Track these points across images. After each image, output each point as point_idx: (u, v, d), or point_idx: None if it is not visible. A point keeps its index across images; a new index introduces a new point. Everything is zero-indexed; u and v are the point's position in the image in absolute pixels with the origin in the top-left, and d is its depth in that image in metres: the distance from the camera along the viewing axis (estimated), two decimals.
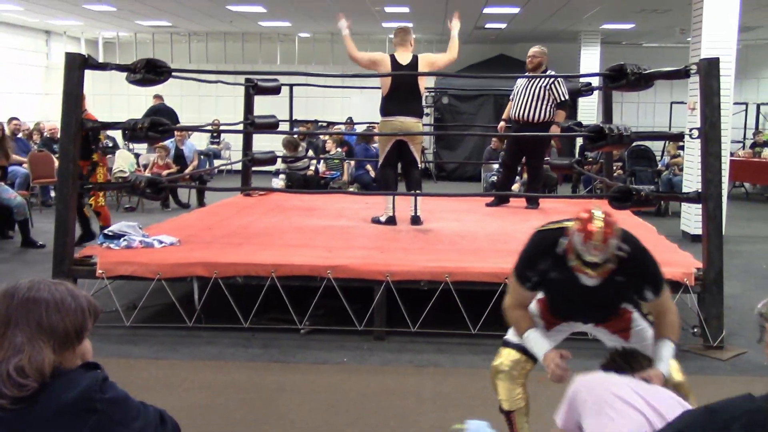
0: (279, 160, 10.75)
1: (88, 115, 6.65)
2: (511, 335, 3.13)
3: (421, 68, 6.48)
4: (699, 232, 7.96)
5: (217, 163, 15.44)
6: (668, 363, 2.76)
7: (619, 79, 5.09)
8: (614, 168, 11.35)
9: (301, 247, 5.58)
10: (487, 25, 14.68)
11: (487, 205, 7.90)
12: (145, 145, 12.57)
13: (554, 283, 2.88)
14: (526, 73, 7.45)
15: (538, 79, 7.24)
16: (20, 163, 10.65)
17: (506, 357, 3.11)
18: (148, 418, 1.65)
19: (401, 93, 6.41)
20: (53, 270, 5.16)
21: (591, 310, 2.96)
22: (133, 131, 5.25)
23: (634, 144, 12.10)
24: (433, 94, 16.07)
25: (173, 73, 5.51)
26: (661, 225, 8.79)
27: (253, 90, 8.38)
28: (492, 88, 14.54)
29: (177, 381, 4.31)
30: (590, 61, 15.51)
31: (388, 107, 6.46)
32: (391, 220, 6.65)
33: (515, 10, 12.59)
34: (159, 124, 5.28)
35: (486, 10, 12.58)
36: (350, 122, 14.69)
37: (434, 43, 17.69)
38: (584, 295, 2.81)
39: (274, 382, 4.28)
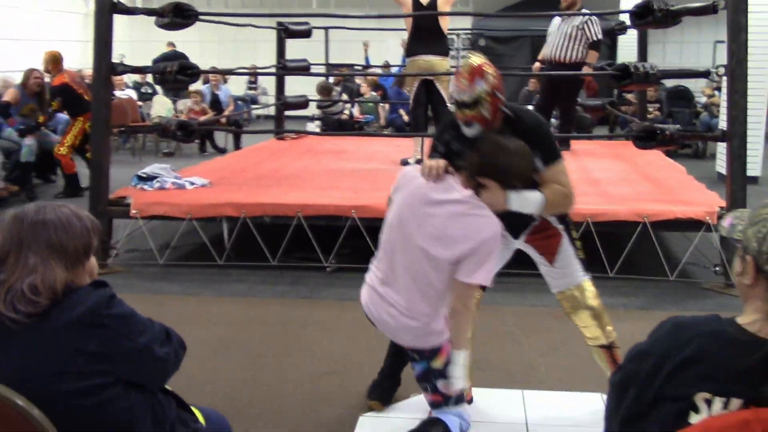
0: (314, 105, 10.86)
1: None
2: None
3: (441, 7, 6.47)
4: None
5: (254, 108, 15.56)
6: (524, 197, 2.74)
7: (646, 16, 5.00)
8: (651, 109, 11.18)
9: (328, 189, 5.70)
10: None
11: None
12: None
13: (457, 154, 2.89)
14: (560, 12, 7.35)
15: (571, 19, 7.14)
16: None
17: None
18: (154, 333, 1.77)
19: (424, 32, 6.44)
20: (90, 210, 5.33)
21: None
22: (162, 75, 5.36)
23: (673, 84, 11.90)
24: (469, 36, 15.86)
25: (204, 18, 5.60)
26: (696, 167, 8.71)
27: (284, 34, 8.43)
28: (530, 29, 14.28)
29: (206, 316, 4.50)
30: None
31: (413, 47, 6.54)
32: (420, 162, 6.70)
33: None
34: (188, 68, 5.38)
35: None
36: (387, 65, 14.63)
37: None
38: None
39: (299, 317, 4.44)
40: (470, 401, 3.25)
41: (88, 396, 1.62)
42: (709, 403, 1.42)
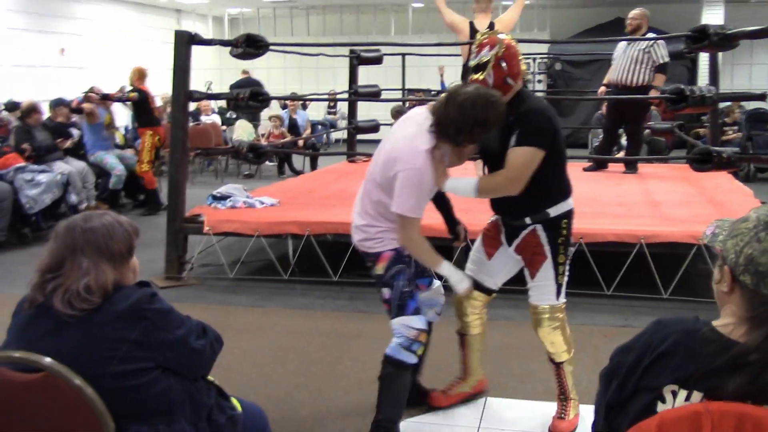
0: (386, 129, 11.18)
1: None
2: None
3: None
4: None
5: (332, 131, 16.03)
6: (455, 185, 3.00)
7: (702, 40, 5.06)
8: (730, 132, 11.00)
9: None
10: None
11: (584, 169, 7.93)
12: (266, 116, 13.25)
13: None
14: (624, 37, 7.41)
15: (637, 42, 7.18)
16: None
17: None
18: (191, 327, 2.03)
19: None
20: (167, 227, 5.77)
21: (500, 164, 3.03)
22: (235, 101, 5.74)
23: (753, 107, 11.65)
24: (545, 60, 15.92)
25: (274, 48, 5.96)
26: None
27: (356, 61, 8.76)
28: (606, 53, 14.10)
29: (268, 326, 4.79)
30: (713, 21, 14.82)
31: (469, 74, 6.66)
32: None
33: None
34: (259, 94, 5.74)
35: None
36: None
37: (548, 8, 17.47)
38: (492, 136, 3.01)
39: (354, 330, 4.67)
40: (479, 394, 3.61)
41: (131, 378, 1.89)
42: (674, 394, 1.56)
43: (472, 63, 3.01)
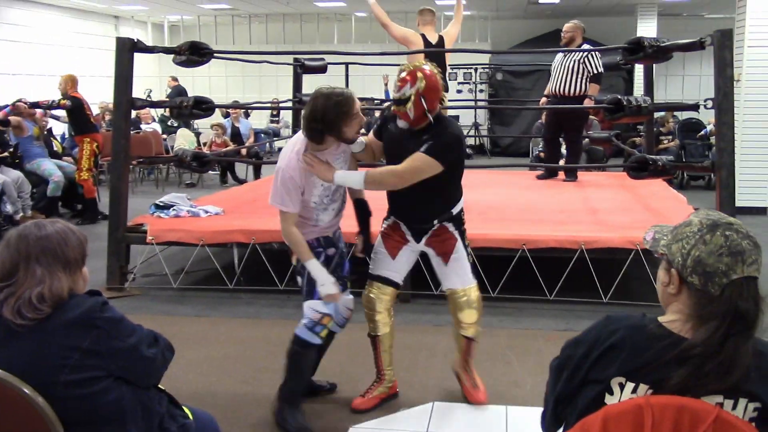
0: None
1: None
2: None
3: (447, 46, 6.76)
4: (742, 204, 8.07)
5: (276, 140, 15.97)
6: (344, 176, 3.33)
7: (637, 51, 5.23)
8: (665, 141, 11.36)
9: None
10: (540, 0, 14.69)
11: (538, 177, 8.11)
12: (208, 125, 13.12)
13: (389, 133, 3.49)
14: (562, 48, 7.62)
15: (573, 53, 7.39)
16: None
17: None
18: (142, 336, 2.02)
19: None
20: (109, 236, 5.67)
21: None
22: (179, 109, 5.68)
23: (686, 117, 12.05)
24: (486, 70, 16.18)
25: (218, 56, 5.93)
26: (708, 197, 8.83)
27: (300, 69, 8.77)
28: (546, 64, 14.46)
29: (215, 335, 4.75)
30: (647, 33, 15.27)
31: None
32: None
33: None
34: (203, 102, 5.70)
35: None
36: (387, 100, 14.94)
37: (489, 19, 17.76)
38: (403, 147, 3.35)
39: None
40: (395, 395, 3.80)
41: (82, 387, 1.87)
42: (621, 387, 1.63)
43: (396, 96, 3.34)
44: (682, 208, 6.35)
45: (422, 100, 3.28)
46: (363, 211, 3.67)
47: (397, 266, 3.68)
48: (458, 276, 3.60)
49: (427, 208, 3.50)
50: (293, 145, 3.33)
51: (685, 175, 10.80)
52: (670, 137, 11.51)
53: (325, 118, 3.17)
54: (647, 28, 15.43)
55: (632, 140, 11.63)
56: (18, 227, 2.03)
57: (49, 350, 1.86)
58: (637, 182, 6.72)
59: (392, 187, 3.43)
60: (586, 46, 7.50)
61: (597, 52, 7.32)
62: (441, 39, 6.77)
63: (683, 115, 12.68)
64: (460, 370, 3.79)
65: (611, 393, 1.64)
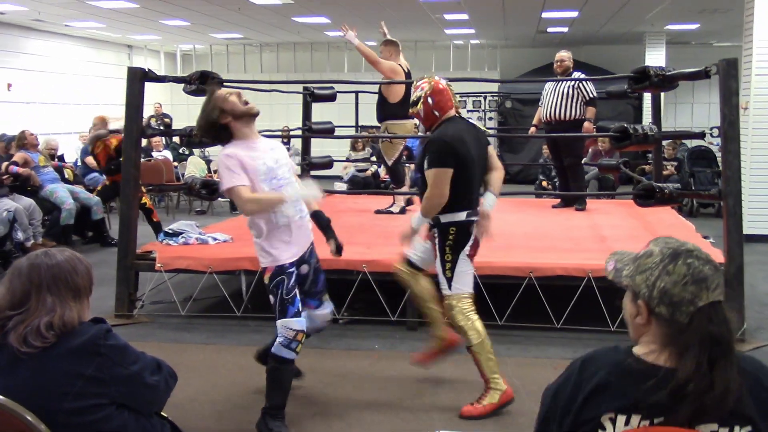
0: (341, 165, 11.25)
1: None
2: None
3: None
4: (751, 232, 8.04)
5: None
6: (414, 220, 4.01)
7: (643, 80, 5.26)
8: (669, 167, 11.34)
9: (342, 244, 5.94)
10: (549, 29, 14.79)
11: (553, 206, 8.11)
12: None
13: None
14: (556, 77, 7.77)
15: (565, 80, 7.51)
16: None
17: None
18: (145, 363, 2.04)
19: (407, 99, 7.00)
20: (118, 263, 5.70)
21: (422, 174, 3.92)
22: (189, 137, 5.75)
23: (695, 145, 12.05)
24: (496, 98, 16.26)
25: (228, 85, 5.99)
26: (718, 225, 8.79)
27: (310, 98, 8.84)
28: None
29: (221, 363, 4.76)
30: (656, 62, 15.35)
31: (402, 111, 7.07)
32: (403, 211, 7.63)
33: (574, 14, 12.69)
34: None
35: (544, 15, 12.72)
36: (416, 128, 15.03)
37: (498, 48, 17.88)
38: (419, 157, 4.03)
39: (307, 365, 4.63)
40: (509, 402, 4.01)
41: (85, 414, 1.89)
42: (613, 421, 1.64)
43: (413, 97, 3.97)
44: (690, 236, 6.33)
45: (429, 100, 3.87)
46: (322, 220, 3.91)
47: (426, 250, 4.14)
48: (441, 284, 3.98)
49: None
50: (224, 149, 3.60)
51: (694, 202, 10.77)
52: (675, 163, 11.49)
53: (208, 118, 3.54)
54: (656, 57, 15.47)
55: (642, 167, 11.62)
56: (28, 256, 2.06)
57: (52, 377, 1.88)
58: (645, 210, 6.72)
59: (439, 206, 3.81)
60: (577, 74, 7.63)
61: (589, 80, 7.48)
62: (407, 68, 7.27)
63: (693, 143, 12.67)
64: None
65: (603, 429, 1.64)
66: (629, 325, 1.77)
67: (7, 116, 13.29)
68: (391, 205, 7.78)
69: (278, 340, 3.59)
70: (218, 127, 3.53)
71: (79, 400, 1.88)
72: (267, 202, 3.50)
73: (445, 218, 3.86)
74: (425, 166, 3.81)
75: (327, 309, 3.95)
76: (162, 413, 2.22)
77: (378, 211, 7.72)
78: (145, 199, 8.44)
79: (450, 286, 3.92)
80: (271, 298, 3.64)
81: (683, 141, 12.71)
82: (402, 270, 4.25)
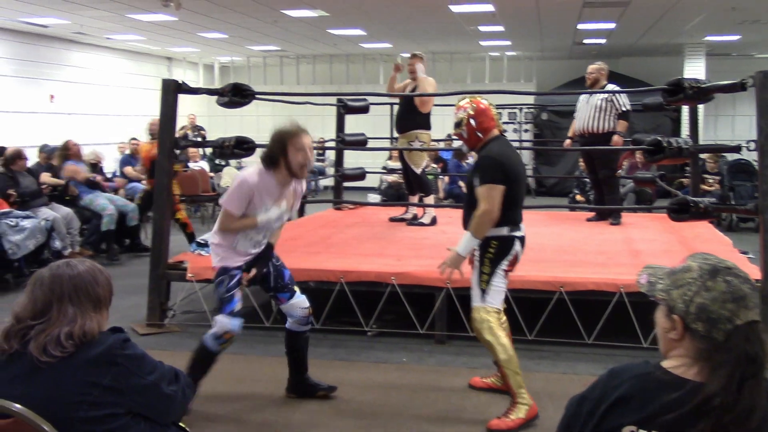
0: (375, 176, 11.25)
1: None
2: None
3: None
4: None
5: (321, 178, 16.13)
6: (462, 246, 3.85)
7: (677, 93, 5.18)
8: (711, 181, 11.15)
9: (372, 256, 5.96)
10: (586, 41, 14.68)
11: (588, 219, 8.03)
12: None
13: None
14: (588, 89, 7.71)
15: (599, 93, 7.44)
16: (139, 180, 11.64)
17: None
18: (163, 373, 2.04)
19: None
20: (150, 273, 5.76)
21: (468, 194, 4.02)
22: (221, 149, 5.80)
23: (735, 158, 11.82)
24: (532, 110, 16.16)
25: (260, 97, 6.06)
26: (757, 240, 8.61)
27: (343, 110, 8.88)
28: None
29: (248, 374, 4.77)
30: (694, 73, 15.14)
31: (429, 121, 7.54)
32: (434, 221, 7.69)
33: (611, 26, 12.58)
34: (244, 142, 5.80)
35: (581, 26, 12.64)
36: (449, 139, 15.01)
37: (534, 59, 17.78)
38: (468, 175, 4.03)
39: (335, 378, 4.64)
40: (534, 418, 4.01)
41: (101, 423, 1.90)
42: None
43: (455, 119, 4.00)
44: (728, 251, 6.20)
45: (472, 121, 3.92)
46: (269, 252, 4.13)
47: None
48: (473, 295, 3.98)
49: (469, 215, 3.92)
50: (257, 166, 3.89)
51: (734, 217, 10.56)
52: (717, 178, 11.28)
53: (274, 143, 3.81)
54: (695, 69, 15.26)
55: (680, 181, 11.45)
56: (50, 266, 2.08)
57: (69, 386, 1.90)
58: (682, 224, 6.60)
59: (491, 222, 3.82)
60: (610, 86, 7.55)
61: (623, 93, 7.39)
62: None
63: (733, 156, 12.44)
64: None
65: None
66: (660, 340, 1.75)
67: (49, 127, 13.59)
68: (423, 216, 7.78)
69: (212, 330, 3.92)
70: (273, 157, 3.82)
71: (95, 410, 1.89)
72: (240, 228, 3.89)
73: (488, 232, 3.89)
74: (476, 182, 3.85)
75: (299, 297, 4.16)
76: (181, 424, 2.23)
77: (392, 219, 7.90)
78: (180, 215, 8.54)
79: (483, 298, 3.93)
80: (215, 295, 4.04)
81: (723, 154, 12.48)
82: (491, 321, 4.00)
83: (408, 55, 8.04)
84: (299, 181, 4.04)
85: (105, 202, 8.73)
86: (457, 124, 3.98)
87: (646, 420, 1.59)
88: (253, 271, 4.02)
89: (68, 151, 8.81)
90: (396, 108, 12.96)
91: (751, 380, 1.56)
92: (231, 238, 3.94)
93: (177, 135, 6.10)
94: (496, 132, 3.98)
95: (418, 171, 7.70)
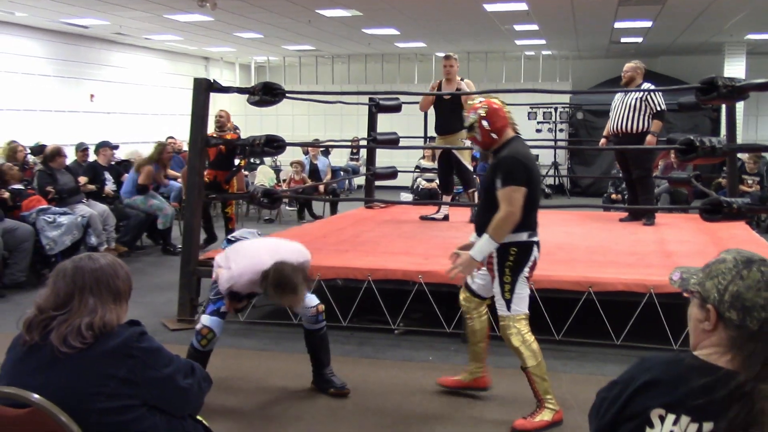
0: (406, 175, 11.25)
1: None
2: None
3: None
4: None
5: (354, 177, 16.19)
6: (479, 250, 3.71)
7: (711, 91, 5.09)
8: (750, 182, 10.94)
9: (400, 254, 5.97)
10: (623, 39, 14.49)
11: (621, 220, 7.95)
12: (287, 162, 13.41)
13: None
14: (626, 88, 7.59)
15: (634, 92, 7.33)
16: (175, 178, 11.80)
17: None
18: (179, 366, 2.08)
19: None
20: (181, 270, 5.85)
21: (483, 195, 3.96)
22: (251, 147, 5.86)
23: None
24: (568, 109, 16.02)
25: (290, 96, 6.11)
26: None
27: (375, 109, 8.90)
28: None
29: (274, 370, 4.81)
30: (735, 72, 14.83)
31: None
32: (447, 218, 7.97)
33: (648, 24, 12.40)
34: (274, 141, 5.85)
35: (617, 25, 12.48)
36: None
37: (570, 59, 17.62)
38: (488, 178, 3.88)
39: (360, 375, 4.67)
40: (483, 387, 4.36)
41: (117, 415, 1.94)
42: (662, 419, 1.61)
43: (465, 123, 3.95)
44: (764, 253, 6.07)
45: (485, 123, 3.82)
46: None
47: (484, 277, 4.08)
48: (499, 305, 3.90)
49: (485, 218, 3.82)
50: (258, 265, 4.01)
51: None
52: (757, 179, 11.05)
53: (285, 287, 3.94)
54: (735, 68, 14.96)
55: (718, 182, 11.25)
56: (72, 258, 2.14)
57: (86, 378, 1.94)
58: (717, 225, 6.51)
59: (513, 225, 3.72)
60: (646, 85, 7.43)
61: (658, 92, 7.24)
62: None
63: None
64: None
65: (651, 426, 1.62)
66: (691, 334, 1.75)
67: (89, 126, 13.84)
68: (437, 212, 8.13)
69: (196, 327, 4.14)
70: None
71: (111, 401, 1.93)
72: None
73: (507, 237, 3.76)
74: (498, 184, 3.72)
75: (306, 298, 4.21)
76: (198, 416, 2.26)
77: (423, 218, 8.03)
78: (229, 209, 8.77)
79: (509, 308, 3.87)
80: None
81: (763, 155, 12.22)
82: (465, 301, 4.22)
83: (443, 54, 8.05)
84: None
85: (161, 202, 9.08)
86: (470, 127, 3.89)
87: (675, 404, 1.59)
88: (244, 303, 4.29)
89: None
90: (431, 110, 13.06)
91: None
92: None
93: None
94: (511, 132, 3.90)
95: (470, 167, 7.92)
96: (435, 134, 8.04)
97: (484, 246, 3.72)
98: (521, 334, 3.87)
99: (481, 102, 3.90)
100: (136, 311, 2.15)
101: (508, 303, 3.86)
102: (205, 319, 4.09)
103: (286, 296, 3.94)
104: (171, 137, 12.99)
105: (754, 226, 8.22)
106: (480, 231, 3.85)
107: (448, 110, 7.69)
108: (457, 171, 7.96)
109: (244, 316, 5.74)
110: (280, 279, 3.86)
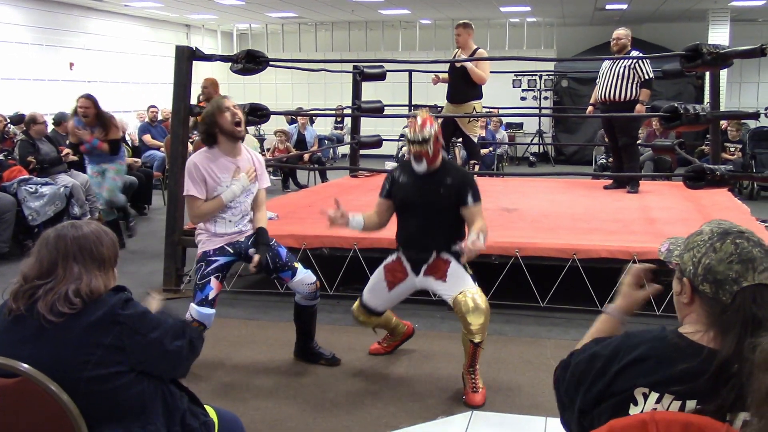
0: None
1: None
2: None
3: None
4: None
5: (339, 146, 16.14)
6: (476, 233, 3.61)
7: (695, 59, 5.10)
8: (732, 149, 11.00)
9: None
10: (608, 6, 14.44)
11: (605, 187, 7.99)
12: (271, 131, 13.32)
13: (401, 185, 3.96)
14: (613, 56, 7.58)
15: (623, 60, 7.32)
16: (158, 148, 11.71)
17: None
18: (166, 329, 2.07)
19: None
20: (165, 239, 5.83)
21: (428, 212, 3.87)
22: None
23: (757, 125, 11.65)
24: (552, 77, 15.99)
25: (274, 63, 6.04)
26: None
27: (359, 77, 8.85)
28: None
29: (262, 338, 4.83)
30: (719, 40, 14.84)
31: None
32: None
33: None
34: (258, 110, 5.81)
35: None
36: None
37: (555, 26, 17.55)
38: (422, 191, 3.85)
39: (346, 342, 4.71)
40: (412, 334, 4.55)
41: (105, 382, 1.94)
42: (645, 396, 1.61)
43: (418, 137, 3.73)
44: (745, 219, 6.14)
45: (439, 138, 3.79)
46: (261, 237, 4.13)
47: (389, 299, 4.15)
48: (458, 285, 3.84)
49: (430, 238, 3.90)
50: (201, 150, 4.03)
51: (755, 185, 10.43)
52: (739, 146, 11.11)
53: (204, 121, 3.93)
54: (719, 35, 14.97)
55: (701, 149, 11.31)
56: (55, 227, 2.12)
57: (73, 347, 1.94)
58: (700, 192, 6.55)
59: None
60: (635, 53, 7.42)
61: (646, 59, 7.24)
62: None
63: (756, 124, 12.26)
64: (465, 373, 3.91)
65: (635, 403, 1.62)
66: (676, 306, 1.75)
67: (69, 95, 13.66)
68: None
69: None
70: (208, 133, 3.94)
71: (99, 369, 1.93)
72: (210, 212, 3.97)
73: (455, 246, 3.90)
74: (469, 201, 3.80)
75: (303, 273, 4.16)
76: (181, 383, 2.26)
77: None
78: None
79: (474, 282, 3.90)
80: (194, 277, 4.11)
81: (746, 122, 12.30)
82: (364, 318, 4.27)
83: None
84: (255, 153, 4.21)
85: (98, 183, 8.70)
86: (424, 141, 3.71)
87: (660, 383, 1.59)
88: (257, 258, 4.00)
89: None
90: (414, 76, 12.98)
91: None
92: (209, 224, 4.02)
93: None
94: None
95: (476, 139, 7.85)
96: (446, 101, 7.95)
97: (484, 236, 3.66)
98: (488, 310, 3.89)
99: (428, 117, 3.82)
100: (120, 281, 2.14)
101: (473, 277, 3.93)
102: (195, 313, 3.92)
103: (221, 107, 3.91)
104: (153, 106, 12.86)
105: (736, 193, 8.27)
106: (426, 250, 3.92)
107: (460, 78, 7.63)
108: (463, 142, 7.99)
109: (230, 286, 5.74)
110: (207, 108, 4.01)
